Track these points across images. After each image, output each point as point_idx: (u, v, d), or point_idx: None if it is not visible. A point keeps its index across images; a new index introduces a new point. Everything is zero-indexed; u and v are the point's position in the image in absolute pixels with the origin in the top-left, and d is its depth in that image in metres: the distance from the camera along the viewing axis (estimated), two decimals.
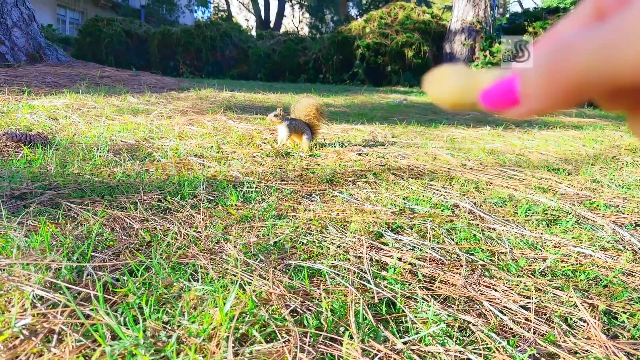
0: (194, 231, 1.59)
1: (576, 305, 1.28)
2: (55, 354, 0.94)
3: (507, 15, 15.84)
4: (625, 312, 1.28)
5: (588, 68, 0.24)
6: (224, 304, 1.08)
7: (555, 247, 1.69)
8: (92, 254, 1.36)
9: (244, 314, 1.09)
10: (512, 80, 0.29)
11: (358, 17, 17.18)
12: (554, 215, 2.00)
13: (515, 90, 0.29)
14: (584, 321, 1.23)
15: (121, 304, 1.12)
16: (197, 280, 1.25)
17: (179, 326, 1.04)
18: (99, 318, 1.04)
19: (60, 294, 1.12)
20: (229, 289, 1.19)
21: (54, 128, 3.23)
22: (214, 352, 0.95)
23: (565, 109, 0.28)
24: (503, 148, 3.61)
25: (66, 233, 1.48)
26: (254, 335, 1.02)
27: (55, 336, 0.99)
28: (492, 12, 14.37)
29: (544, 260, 1.55)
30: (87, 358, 0.94)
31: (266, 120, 3.34)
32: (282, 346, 0.99)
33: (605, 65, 0.24)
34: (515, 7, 34.74)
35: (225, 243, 1.50)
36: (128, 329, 1.01)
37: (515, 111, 0.29)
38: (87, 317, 1.07)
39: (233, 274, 1.28)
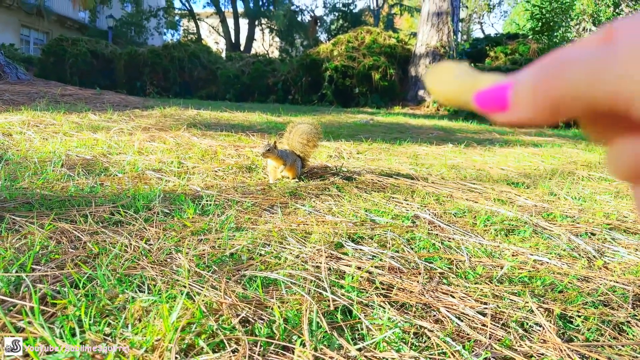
0: (145, 243, 1.52)
1: (532, 310, 1.28)
2: None
3: (470, 41, 16.39)
4: (579, 316, 1.29)
5: (574, 85, 0.25)
6: (170, 314, 1.03)
7: (512, 255, 1.70)
8: (34, 266, 1.28)
9: (191, 324, 1.04)
10: (507, 86, 0.29)
11: (327, 41, 17.50)
12: (512, 225, 2.02)
13: (506, 96, 0.29)
14: (540, 325, 1.23)
15: (60, 316, 1.05)
16: (144, 292, 1.19)
17: (121, 338, 0.98)
18: (33, 331, 0.97)
19: None
20: (177, 300, 1.13)
21: (6, 144, 3.10)
22: None
23: (549, 124, 0.28)
24: (464, 164, 3.68)
25: (7, 246, 1.39)
26: (201, 346, 0.97)
27: None
28: (455, 37, 14.85)
29: (502, 267, 1.56)
30: None
31: (256, 156, 2.65)
32: (230, 356, 0.95)
33: (589, 86, 0.24)
34: (477, 33, 36.13)
35: (177, 254, 1.45)
36: (64, 341, 0.95)
37: (502, 117, 0.29)
38: (22, 330, 0.99)
39: (183, 285, 1.23)
